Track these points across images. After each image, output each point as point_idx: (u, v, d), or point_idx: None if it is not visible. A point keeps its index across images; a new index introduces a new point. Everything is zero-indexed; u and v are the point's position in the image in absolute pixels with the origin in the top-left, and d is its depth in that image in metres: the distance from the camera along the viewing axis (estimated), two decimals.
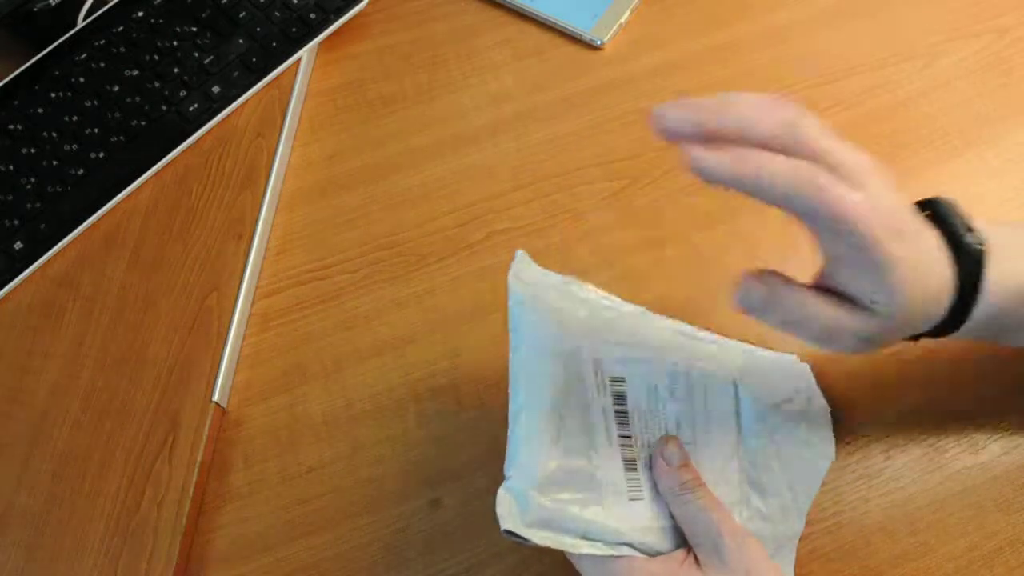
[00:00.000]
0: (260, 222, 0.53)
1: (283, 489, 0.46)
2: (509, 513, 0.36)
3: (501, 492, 0.37)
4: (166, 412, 0.47)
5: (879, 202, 0.32)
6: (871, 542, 0.43)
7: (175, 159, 0.56)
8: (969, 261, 0.35)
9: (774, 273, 0.35)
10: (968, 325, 0.36)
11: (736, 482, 0.41)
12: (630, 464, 0.39)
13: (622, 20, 0.61)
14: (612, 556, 0.37)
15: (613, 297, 0.45)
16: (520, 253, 0.44)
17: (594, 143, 0.56)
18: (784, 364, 0.47)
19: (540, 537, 0.36)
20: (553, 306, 0.43)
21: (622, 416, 0.40)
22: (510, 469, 0.38)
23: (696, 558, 0.37)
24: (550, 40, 0.61)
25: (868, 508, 0.44)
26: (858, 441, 0.46)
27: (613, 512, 0.38)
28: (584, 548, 0.37)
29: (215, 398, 0.48)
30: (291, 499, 0.46)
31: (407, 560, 0.44)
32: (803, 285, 0.35)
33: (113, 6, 0.60)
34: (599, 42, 0.60)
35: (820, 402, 0.45)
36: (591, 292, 0.45)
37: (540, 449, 0.38)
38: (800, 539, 0.43)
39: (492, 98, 0.59)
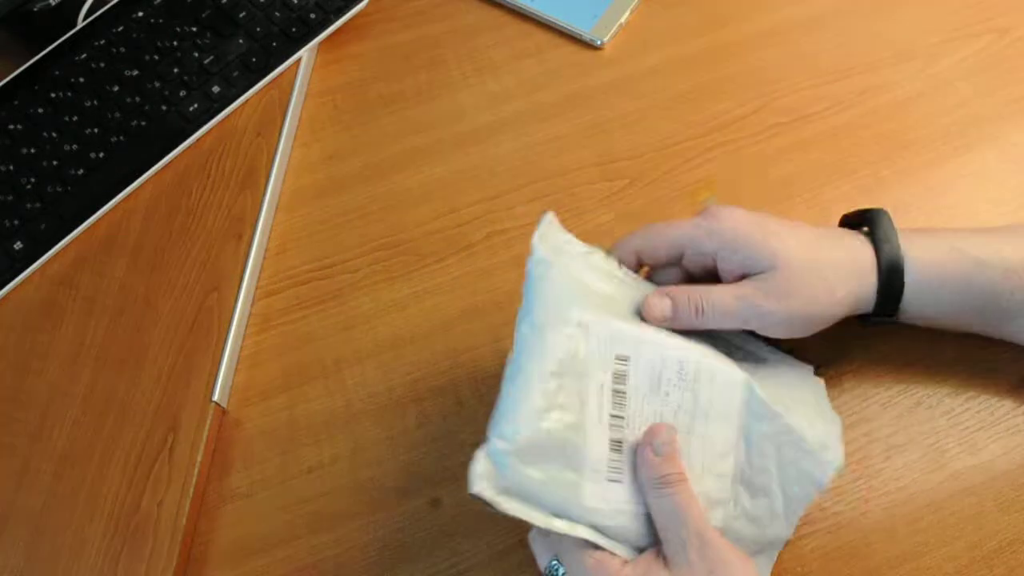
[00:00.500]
0: (260, 222, 0.53)
1: (283, 489, 0.46)
2: (483, 475, 0.36)
3: (480, 453, 0.36)
4: (166, 412, 0.47)
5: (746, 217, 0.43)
6: (871, 542, 0.43)
7: (175, 159, 0.56)
8: (889, 241, 0.42)
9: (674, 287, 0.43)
10: (907, 301, 0.42)
11: (728, 479, 0.40)
12: (616, 445, 0.38)
13: (622, 20, 0.61)
14: (586, 548, 0.37)
15: (634, 274, 0.44)
16: (549, 215, 0.43)
17: (594, 143, 0.56)
18: (800, 372, 0.46)
19: (510, 506, 0.36)
20: (572, 275, 0.41)
21: (619, 395, 0.39)
22: (494, 432, 0.37)
23: (665, 556, 0.37)
24: (550, 40, 0.61)
25: (868, 508, 0.44)
26: (858, 441, 0.46)
27: (589, 490, 0.37)
28: (555, 525, 0.36)
29: (215, 398, 0.48)
30: (291, 499, 0.46)
31: (407, 560, 0.44)
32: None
33: (113, 6, 0.60)
34: (599, 42, 0.60)
35: (831, 415, 0.44)
36: (613, 265, 0.44)
37: (529, 416, 0.37)
38: (800, 539, 0.43)
39: (492, 98, 0.59)
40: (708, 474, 0.39)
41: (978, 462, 0.45)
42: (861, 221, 0.44)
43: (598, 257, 0.43)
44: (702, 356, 0.40)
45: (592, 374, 0.38)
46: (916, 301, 0.42)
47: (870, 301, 0.42)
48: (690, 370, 0.40)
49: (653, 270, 0.45)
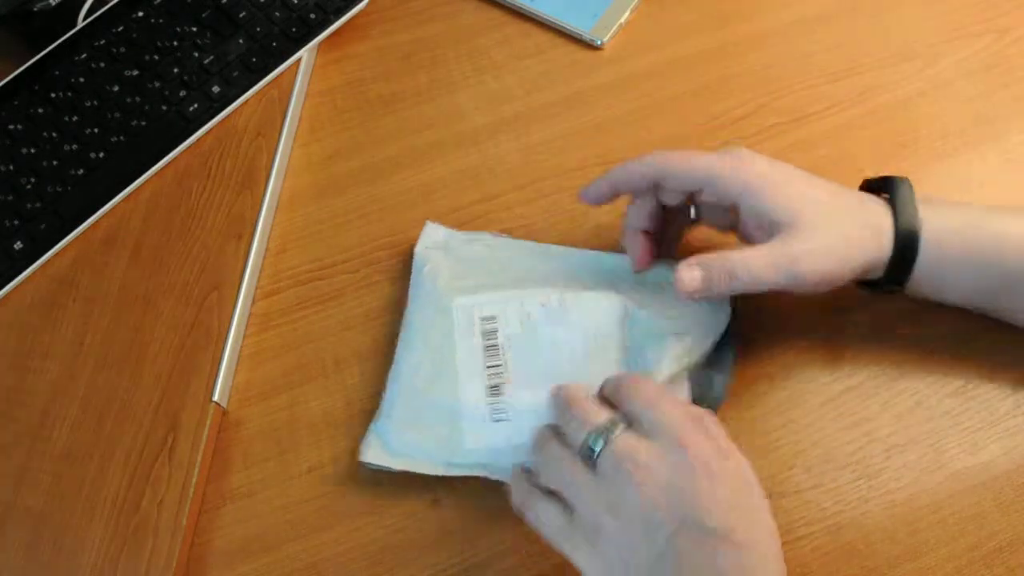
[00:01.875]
0: (260, 222, 0.53)
1: (283, 489, 0.46)
2: (370, 447, 0.45)
3: (368, 433, 0.45)
4: (166, 412, 0.47)
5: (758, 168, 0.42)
6: (871, 542, 0.43)
7: (175, 159, 0.56)
8: (907, 210, 0.42)
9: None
10: (919, 271, 0.42)
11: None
12: (494, 390, 0.44)
13: (622, 20, 0.61)
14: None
15: (514, 240, 0.51)
16: (428, 223, 0.52)
17: (594, 143, 0.56)
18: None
19: (399, 464, 0.44)
20: (447, 266, 0.49)
21: (492, 349, 0.45)
22: (379, 411, 0.46)
23: None
24: (550, 40, 0.61)
25: (868, 508, 0.44)
26: (858, 441, 0.46)
27: (470, 437, 0.44)
28: (440, 471, 0.44)
29: (215, 398, 0.48)
30: (291, 499, 0.46)
31: (407, 560, 0.44)
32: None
33: (113, 6, 0.60)
34: (599, 42, 0.60)
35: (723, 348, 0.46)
36: (492, 237, 0.51)
37: (406, 394, 0.45)
38: (800, 539, 0.43)
39: (492, 98, 0.59)
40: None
41: (978, 462, 0.45)
42: (881, 186, 0.44)
43: (483, 237, 0.51)
44: (564, 291, 0.46)
45: (461, 342, 0.46)
46: (927, 271, 0.42)
47: (881, 267, 0.42)
48: (554, 305, 0.46)
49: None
